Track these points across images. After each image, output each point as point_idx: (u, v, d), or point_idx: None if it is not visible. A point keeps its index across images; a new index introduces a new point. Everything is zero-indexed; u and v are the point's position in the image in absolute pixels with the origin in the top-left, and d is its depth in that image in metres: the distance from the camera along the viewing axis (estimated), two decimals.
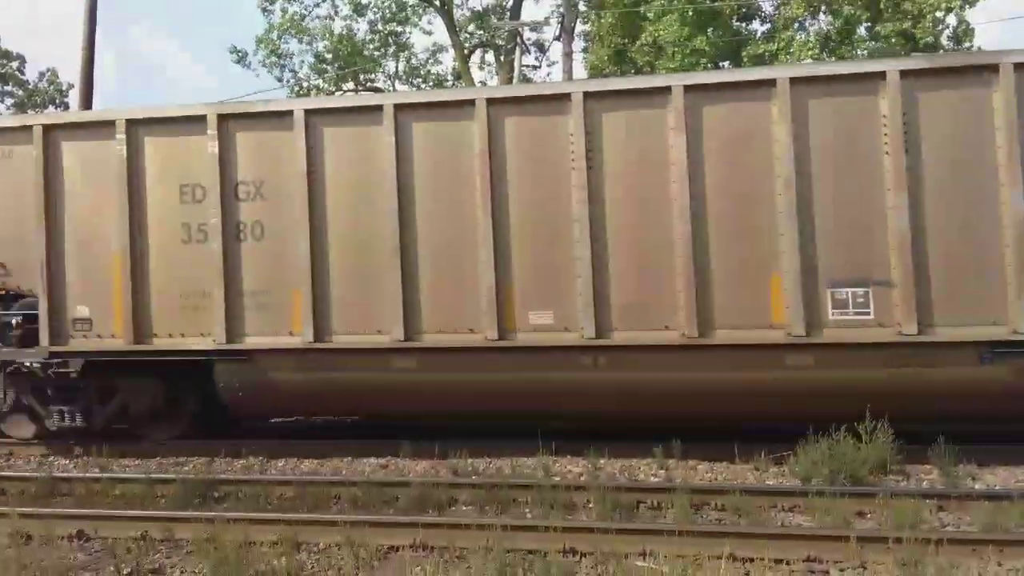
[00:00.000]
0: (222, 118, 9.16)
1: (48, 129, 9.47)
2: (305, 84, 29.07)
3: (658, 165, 8.37)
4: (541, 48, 31.47)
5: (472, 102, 8.74)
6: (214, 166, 9.09)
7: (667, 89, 8.35)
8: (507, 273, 8.62)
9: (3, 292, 9.97)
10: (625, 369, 8.44)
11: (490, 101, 8.70)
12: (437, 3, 28.35)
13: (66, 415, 9.73)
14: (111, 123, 9.35)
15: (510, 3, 29.63)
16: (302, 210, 8.93)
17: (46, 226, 9.41)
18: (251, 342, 9.07)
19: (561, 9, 25.58)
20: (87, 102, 18.44)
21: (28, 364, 9.69)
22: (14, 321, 9.87)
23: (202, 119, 9.18)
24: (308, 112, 9.00)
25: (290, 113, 9.04)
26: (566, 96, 8.56)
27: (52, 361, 9.47)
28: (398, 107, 8.86)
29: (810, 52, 19.60)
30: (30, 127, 9.52)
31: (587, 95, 8.48)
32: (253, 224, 9.10)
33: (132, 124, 9.30)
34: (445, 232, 8.79)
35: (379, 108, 8.88)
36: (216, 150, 9.10)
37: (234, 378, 9.17)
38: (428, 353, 8.78)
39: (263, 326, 9.06)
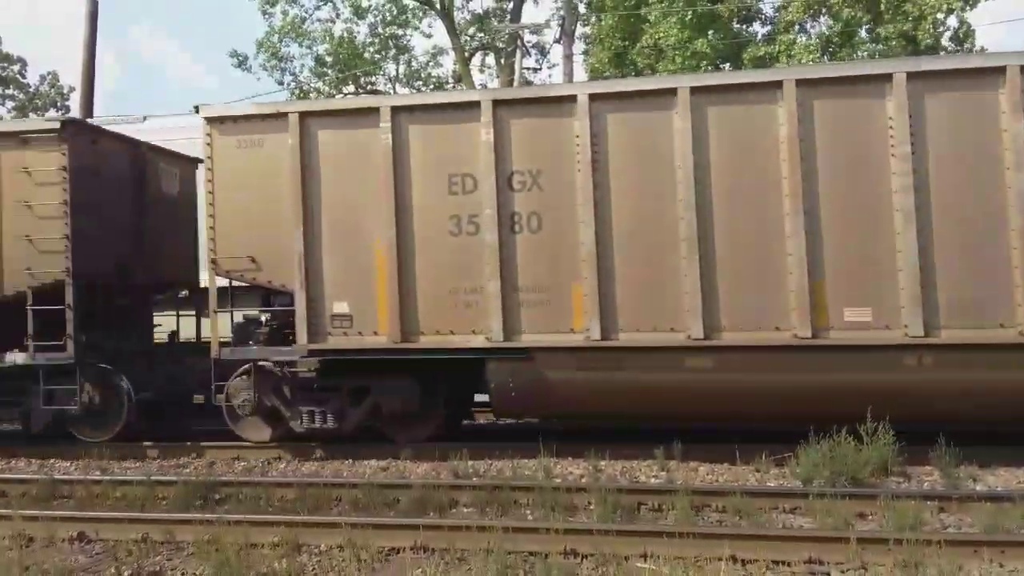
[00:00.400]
0: (496, 104, 8.75)
1: (304, 116, 9.11)
2: (305, 87, 29.15)
3: (990, 151, 7.87)
4: (542, 51, 31.54)
5: (779, 84, 8.26)
6: (488, 155, 8.70)
7: (1001, 70, 7.85)
8: (818, 267, 8.12)
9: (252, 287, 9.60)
10: (955, 369, 7.89)
11: (800, 82, 8.20)
12: (437, 6, 28.38)
13: (316, 416, 9.25)
14: (374, 110, 9.00)
15: (510, 6, 29.68)
16: (585, 200, 8.52)
17: (303, 218, 9.01)
18: (528, 339, 8.64)
19: (561, 12, 25.62)
20: (88, 105, 18.48)
21: (271, 363, 9.33)
22: (263, 318, 9.53)
23: (475, 106, 8.80)
24: (592, 96, 8.57)
25: (572, 98, 8.61)
26: (886, 77, 8.07)
27: (309, 360, 9.05)
28: (694, 90, 8.38)
29: (811, 56, 19.62)
30: (285, 114, 9.12)
31: (911, 76, 7.98)
32: (529, 215, 8.69)
33: (397, 111, 8.94)
34: (745, 223, 8.31)
35: (672, 92, 8.43)
36: (490, 138, 8.69)
37: (508, 378, 8.71)
38: (727, 352, 8.30)
39: (540, 323, 8.63)
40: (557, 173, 8.66)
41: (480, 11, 30.35)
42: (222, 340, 9.46)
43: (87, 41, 18.40)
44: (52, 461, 9.62)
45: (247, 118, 9.33)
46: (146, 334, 11.65)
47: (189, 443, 9.94)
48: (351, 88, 29.15)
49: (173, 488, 7.85)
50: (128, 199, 10.88)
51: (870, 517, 6.72)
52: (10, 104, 36.88)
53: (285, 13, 28.54)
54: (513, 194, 8.72)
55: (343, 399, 9.34)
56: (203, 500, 7.68)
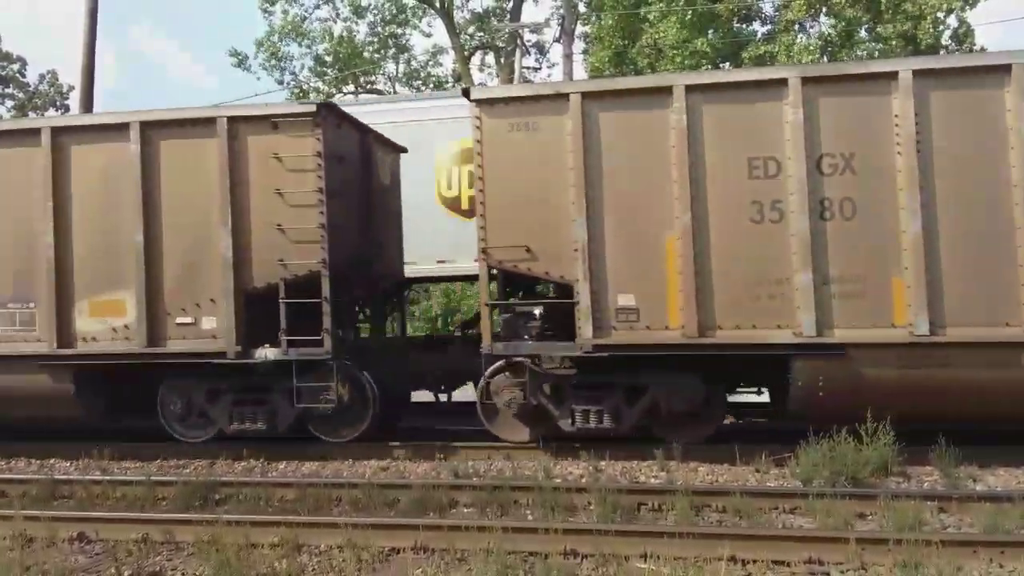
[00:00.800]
0: (805, 81, 8.24)
1: (586, 97, 8.60)
2: (305, 86, 29.18)
3: None
4: (541, 50, 31.60)
5: None
6: (796, 136, 8.19)
7: None
8: None
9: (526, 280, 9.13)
10: None
11: None
12: (437, 5, 28.39)
13: (592, 416, 8.74)
14: (666, 90, 8.47)
15: (510, 5, 29.70)
16: (909, 186, 7.98)
17: (587, 205, 8.52)
18: (841, 335, 8.08)
19: (561, 11, 25.63)
20: (87, 103, 18.48)
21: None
22: (536, 311, 9.05)
23: (780, 84, 8.30)
24: (916, 73, 8.04)
25: (892, 75, 8.10)
26: None
27: (594, 356, 8.49)
28: None
29: (811, 56, 19.62)
30: (565, 95, 8.64)
31: None
32: (841, 201, 8.15)
33: (691, 91, 8.42)
34: None
35: (1006, 68, 7.91)
36: (799, 118, 8.20)
37: (818, 375, 8.12)
38: None
39: (853, 317, 8.08)
40: (873, 156, 8.14)
41: (480, 10, 30.40)
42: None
43: (87, 38, 18.39)
44: (52, 461, 9.62)
45: (520, 100, 8.85)
46: (377, 328, 11.22)
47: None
48: (351, 87, 29.20)
49: (173, 488, 7.85)
50: (358, 187, 10.30)
51: (870, 517, 6.72)
52: (10, 103, 36.92)
53: (285, 12, 28.60)
54: (823, 178, 8.19)
55: (620, 397, 8.91)
56: (203, 500, 7.68)
